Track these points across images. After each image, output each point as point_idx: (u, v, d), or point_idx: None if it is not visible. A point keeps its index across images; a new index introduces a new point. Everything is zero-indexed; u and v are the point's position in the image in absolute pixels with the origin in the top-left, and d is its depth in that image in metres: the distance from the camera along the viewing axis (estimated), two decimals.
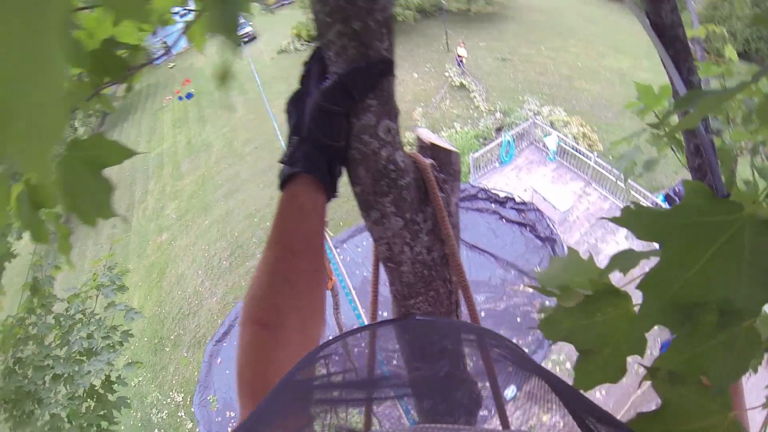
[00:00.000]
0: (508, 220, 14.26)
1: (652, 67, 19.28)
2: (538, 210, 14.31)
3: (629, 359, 0.91)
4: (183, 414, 13.53)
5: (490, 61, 21.38)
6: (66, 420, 4.19)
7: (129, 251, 18.72)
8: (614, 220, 0.75)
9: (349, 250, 14.62)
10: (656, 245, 0.73)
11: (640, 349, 0.87)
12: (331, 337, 0.82)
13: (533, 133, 16.36)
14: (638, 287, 0.75)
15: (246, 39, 31.33)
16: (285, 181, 0.86)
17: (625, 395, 9.33)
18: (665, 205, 11.72)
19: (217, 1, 1.14)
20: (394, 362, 0.91)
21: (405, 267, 0.95)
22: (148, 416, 13.39)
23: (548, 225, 13.99)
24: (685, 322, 0.74)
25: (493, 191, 14.66)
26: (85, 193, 1.15)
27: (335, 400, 0.76)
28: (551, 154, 15.67)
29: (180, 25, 1.55)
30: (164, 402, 13.68)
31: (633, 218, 0.74)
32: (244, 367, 0.76)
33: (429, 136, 1.04)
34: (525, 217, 14.23)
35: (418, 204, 0.92)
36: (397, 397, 0.80)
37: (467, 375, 0.87)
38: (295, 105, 0.90)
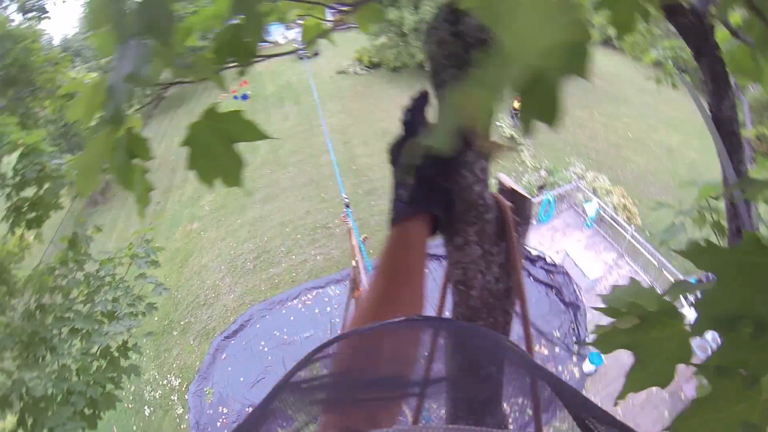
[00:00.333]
0: (536, 279, 14.19)
1: (701, 148, 19.21)
2: (567, 274, 14.22)
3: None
4: (176, 398, 13.53)
5: None
6: (75, 373, 4.24)
7: (158, 233, 19.00)
8: (682, 253, 0.97)
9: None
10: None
11: (687, 357, 1.14)
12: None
13: (574, 197, 16.27)
14: (693, 305, 0.97)
15: (309, 54, 32.05)
16: (400, 218, 0.95)
17: None
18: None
19: None
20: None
21: (474, 292, 1.06)
22: (141, 392, 13.36)
23: (575, 290, 13.81)
24: (730, 330, 0.96)
25: (525, 247, 14.38)
26: (213, 160, 1.22)
27: (335, 400, 0.78)
28: (589, 221, 15.53)
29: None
30: (160, 383, 13.68)
31: (696, 252, 0.95)
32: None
33: (508, 182, 1.14)
34: (553, 278, 14.21)
35: (495, 238, 1.04)
36: (396, 397, 0.82)
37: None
38: (403, 148, 0.99)
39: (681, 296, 1.19)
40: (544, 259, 14.65)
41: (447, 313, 1.15)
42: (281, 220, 18.35)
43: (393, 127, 21.74)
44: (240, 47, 1.29)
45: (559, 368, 11.96)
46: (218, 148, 1.22)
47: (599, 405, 0.64)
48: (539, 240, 15.42)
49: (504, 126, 20.52)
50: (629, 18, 1.36)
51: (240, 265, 16.95)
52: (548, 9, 0.59)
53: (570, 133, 20.43)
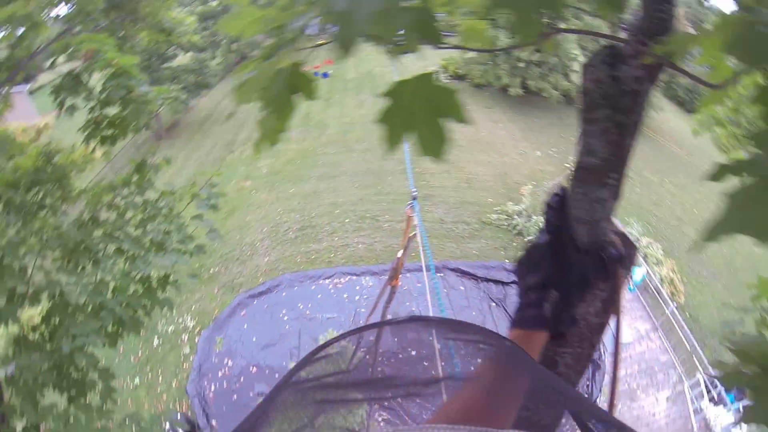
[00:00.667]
0: None
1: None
2: None
3: None
4: (186, 339, 13.45)
5: None
6: (111, 291, 4.08)
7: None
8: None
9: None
10: None
11: None
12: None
13: None
14: None
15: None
16: (527, 327, 0.95)
17: None
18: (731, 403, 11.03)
19: None
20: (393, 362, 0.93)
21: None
22: (154, 324, 13.31)
23: (600, 350, 13.25)
24: None
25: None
26: (409, 123, 1.11)
27: (335, 400, 0.77)
28: (632, 285, 14.86)
29: None
30: (175, 320, 13.61)
31: None
32: None
33: (620, 226, 1.11)
34: None
35: (604, 276, 1.03)
36: (395, 397, 0.83)
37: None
38: (546, 256, 0.98)
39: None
40: None
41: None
42: (333, 201, 18.12)
43: (463, 141, 21.35)
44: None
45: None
46: (420, 115, 1.08)
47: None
48: None
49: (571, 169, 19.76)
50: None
51: (282, 232, 16.79)
52: None
53: (636, 194, 19.55)
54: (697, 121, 16.42)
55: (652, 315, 14.35)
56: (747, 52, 0.76)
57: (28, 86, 19.84)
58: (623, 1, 0.89)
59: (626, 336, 13.30)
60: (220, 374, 12.33)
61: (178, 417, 11.01)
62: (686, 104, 31.15)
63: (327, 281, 14.85)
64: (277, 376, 12.11)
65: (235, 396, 11.85)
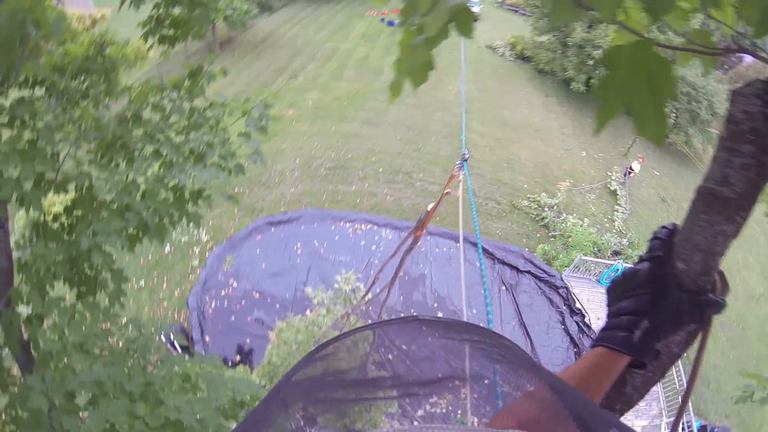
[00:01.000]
0: (567, 330, 13.55)
1: None
2: (594, 339, 13.36)
3: None
4: (197, 251, 13.43)
5: (652, 193, 19.86)
6: (141, 193, 3.83)
7: (255, 103, 18.90)
8: None
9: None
10: None
11: None
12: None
13: None
14: None
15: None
16: (614, 348, 0.91)
17: None
18: None
19: None
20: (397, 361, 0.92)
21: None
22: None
23: None
24: None
25: (576, 297, 14.04)
26: (627, 96, 0.98)
27: (335, 399, 0.79)
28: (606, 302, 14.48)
29: None
30: (190, 232, 13.48)
31: None
32: None
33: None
34: (581, 338, 13.34)
35: (698, 318, 0.98)
36: (396, 397, 0.84)
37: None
38: (645, 285, 0.95)
39: None
40: (584, 317, 13.77)
41: None
42: (371, 148, 17.69)
43: (514, 122, 20.63)
44: None
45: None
46: (636, 88, 0.93)
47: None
48: (589, 297, 14.56)
49: (613, 177, 19.08)
50: None
51: (314, 166, 16.50)
52: None
53: (671, 217, 18.77)
54: None
55: None
56: None
57: None
58: None
59: None
60: (223, 293, 12.35)
61: (179, 329, 11.05)
62: None
63: (348, 225, 14.65)
64: (278, 306, 12.12)
65: (232, 317, 11.88)
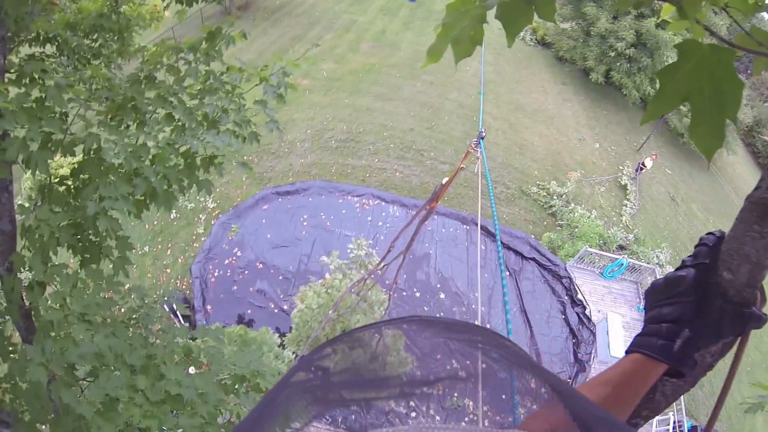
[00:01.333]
0: (567, 320, 13.48)
1: None
2: (594, 335, 13.48)
3: None
4: (203, 219, 13.33)
5: (663, 191, 19.57)
6: (149, 156, 3.70)
7: (270, 72, 18.65)
8: None
9: None
10: None
11: None
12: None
13: (644, 277, 14.95)
14: None
15: None
16: (652, 355, 0.91)
17: None
18: None
19: None
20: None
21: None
22: None
23: (591, 354, 13.06)
24: None
25: (579, 288, 13.94)
26: (695, 95, 0.92)
27: (335, 400, 0.77)
28: (643, 306, 14.35)
29: None
30: (197, 199, 13.38)
31: None
32: None
33: None
34: (580, 330, 13.39)
35: (740, 331, 0.95)
36: (399, 397, 0.80)
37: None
38: (689, 292, 0.93)
39: None
40: (584, 308, 13.70)
41: None
42: (384, 123, 17.40)
43: (528, 107, 20.27)
44: None
45: None
46: (703, 96, 0.89)
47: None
48: (591, 289, 14.47)
49: (624, 172, 18.80)
50: None
51: (325, 138, 16.27)
52: None
53: (677, 222, 18.68)
54: None
55: None
56: None
57: None
58: None
59: (618, 351, 12.96)
60: (226, 262, 12.28)
61: (181, 299, 11.01)
62: (760, 157, 29.11)
63: (355, 199, 14.50)
64: (281, 278, 12.05)
65: (235, 287, 11.84)
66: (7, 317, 3.33)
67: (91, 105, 3.33)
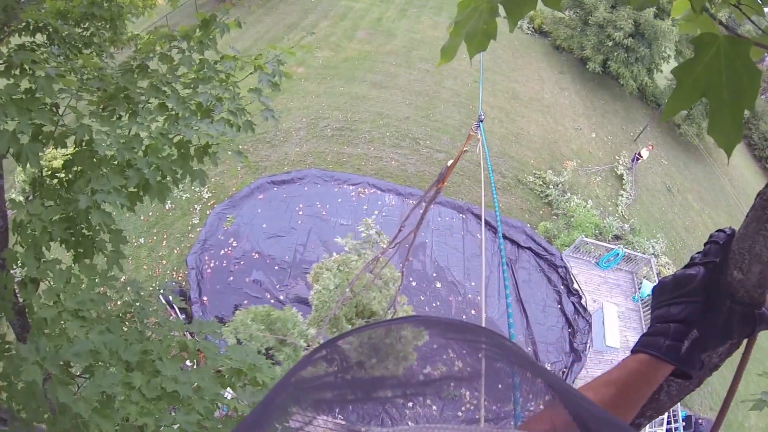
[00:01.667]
0: (563, 310, 13.53)
1: None
2: (590, 326, 13.53)
3: None
4: (198, 209, 13.23)
5: (658, 181, 19.58)
6: (142, 146, 3.64)
7: (264, 61, 18.49)
8: None
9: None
10: None
11: None
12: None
13: (640, 267, 15.05)
14: None
15: None
16: (658, 356, 0.90)
17: None
18: None
19: None
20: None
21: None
22: None
23: (587, 344, 13.12)
24: None
25: (575, 277, 13.96)
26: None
27: (335, 400, 0.78)
28: (638, 297, 14.52)
29: None
30: (192, 188, 13.25)
31: None
32: None
33: None
34: (576, 320, 13.45)
35: (749, 332, 0.93)
36: (393, 398, 0.82)
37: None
38: (698, 292, 0.91)
39: None
40: (580, 298, 13.74)
41: None
42: (379, 111, 17.28)
43: (524, 96, 20.18)
44: None
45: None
46: (720, 88, 0.87)
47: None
48: (587, 279, 14.53)
49: (620, 162, 18.79)
50: None
51: (320, 127, 16.15)
52: None
53: (673, 213, 18.72)
54: None
55: (644, 330, 13.91)
56: None
57: None
58: None
59: (614, 341, 13.03)
60: (222, 252, 12.21)
61: (177, 292, 10.95)
62: (756, 149, 29.17)
63: (351, 188, 14.42)
64: (276, 268, 12.00)
65: (231, 278, 11.77)
66: (1, 315, 3.26)
67: (82, 95, 3.24)
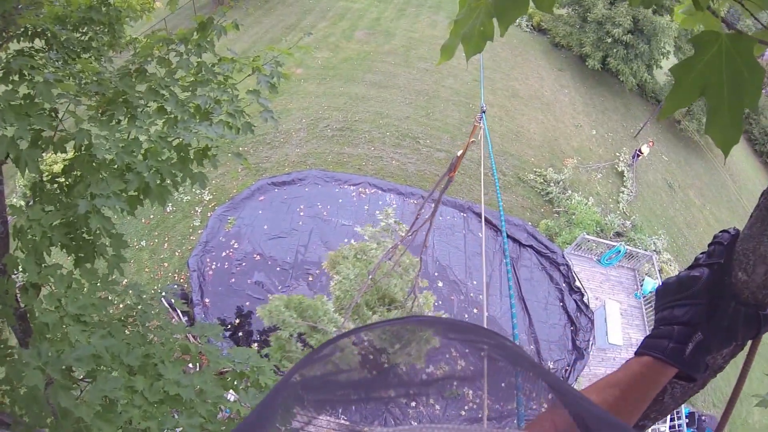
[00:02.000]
0: (565, 307, 13.52)
1: None
2: (592, 323, 13.52)
3: None
4: (199, 211, 13.23)
5: (659, 178, 19.55)
6: (141, 150, 3.64)
7: (263, 62, 18.50)
8: None
9: None
10: None
11: None
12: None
13: (641, 264, 15.01)
14: None
15: None
16: (663, 359, 0.89)
17: None
18: None
19: None
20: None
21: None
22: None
23: (589, 341, 13.10)
24: None
25: (577, 275, 13.95)
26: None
27: (335, 400, 0.79)
28: (641, 293, 14.50)
29: None
30: (193, 190, 13.27)
31: None
32: None
33: None
34: (578, 317, 13.44)
35: (754, 334, 0.93)
36: (396, 397, 0.82)
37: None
38: (702, 293, 0.90)
39: None
40: (582, 295, 13.73)
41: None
42: (379, 110, 17.28)
43: (524, 93, 20.16)
44: None
45: None
46: (720, 86, 0.86)
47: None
48: (589, 276, 14.51)
49: (621, 158, 18.76)
50: None
51: (321, 127, 16.14)
52: None
53: (674, 209, 18.66)
54: None
55: (647, 327, 13.98)
56: None
57: None
58: None
59: (616, 338, 13.01)
60: (223, 254, 12.22)
61: (179, 294, 10.94)
62: (757, 144, 29.08)
63: (352, 188, 14.42)
64: (278, 269, 12.00)
65: (233, 279, 11.78)
66: (3, 320, 3.27)
67: (81, 100, 3.24)
